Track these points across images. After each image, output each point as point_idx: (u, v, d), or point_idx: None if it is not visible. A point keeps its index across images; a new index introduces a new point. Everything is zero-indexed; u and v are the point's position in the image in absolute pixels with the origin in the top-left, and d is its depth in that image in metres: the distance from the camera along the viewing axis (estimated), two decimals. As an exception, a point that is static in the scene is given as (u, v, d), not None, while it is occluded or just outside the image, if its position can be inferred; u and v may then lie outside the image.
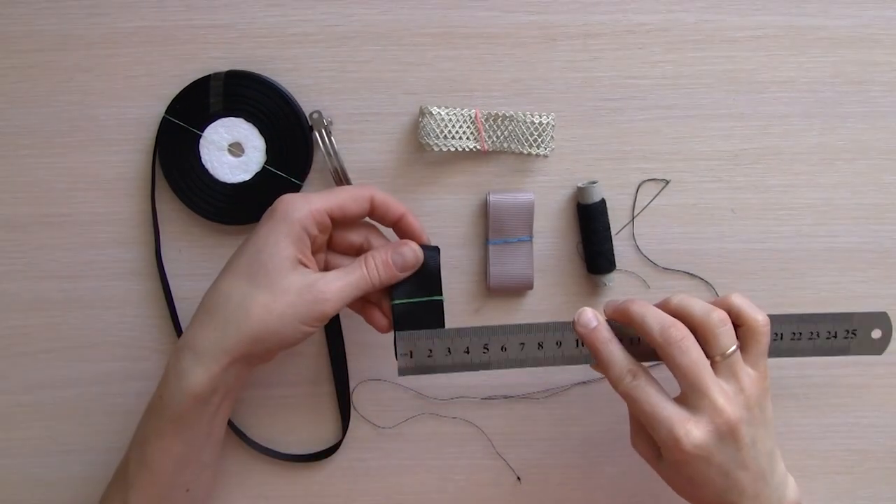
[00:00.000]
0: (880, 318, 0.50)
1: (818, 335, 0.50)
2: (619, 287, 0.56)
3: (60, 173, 0.55)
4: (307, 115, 0.54)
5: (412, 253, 0.49)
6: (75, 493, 0.57)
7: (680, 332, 0.45)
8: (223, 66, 0.54)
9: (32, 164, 0.55)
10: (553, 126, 0.54)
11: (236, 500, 0.57)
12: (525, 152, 0.54)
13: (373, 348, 0.56)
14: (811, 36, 0.55)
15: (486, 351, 0.48)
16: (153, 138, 0.55)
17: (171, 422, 0.46)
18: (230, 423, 0.56)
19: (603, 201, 0.54)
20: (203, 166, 0.54)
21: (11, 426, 0.56)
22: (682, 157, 0.56)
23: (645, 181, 0.56)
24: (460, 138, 0.53)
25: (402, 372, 0.49)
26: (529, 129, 0.53)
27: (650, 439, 0.47)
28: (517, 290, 0.55)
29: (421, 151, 0.55)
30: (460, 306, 0.56)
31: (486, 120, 0.53)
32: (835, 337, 0.50)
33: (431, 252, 0.50)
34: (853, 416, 0.57)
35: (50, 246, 0.55)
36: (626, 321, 0.47)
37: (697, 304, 0.46)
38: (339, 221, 0.49)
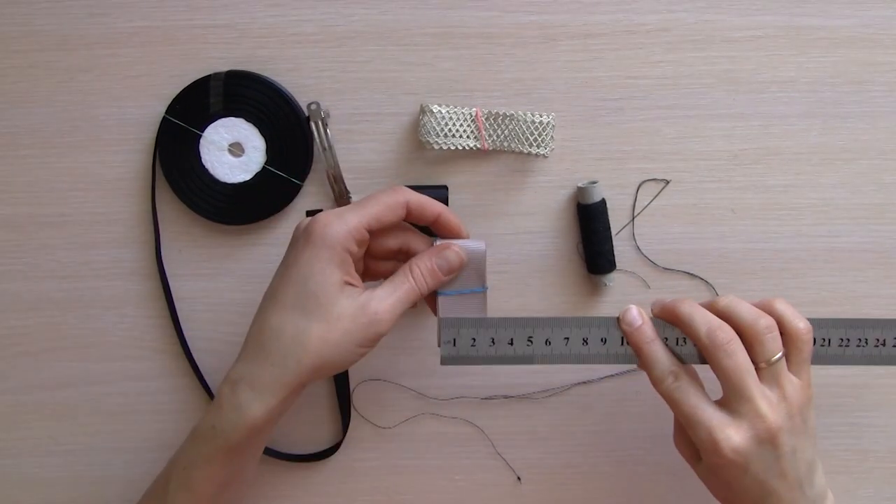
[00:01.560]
0: None
1: (866, 342, 0.48)
2: (619, 287, 0.56)
3: (60, 173, 0.55)
4: (306, 105, 0.54)
5: (456, 256, 0.48)
6: (75, 493, 0.57)
7: (727, 334, 0.45)
8: (223, 66, 0.54)
9: (32, 164, 0.55)
10: (553, 126, 0.54)
11: (236, 500, 0.57)
12: (525, 152, 0.53)
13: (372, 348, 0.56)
14: (811, 36, 0.55)
15: (529, 343, 0.47)
16: (153, 138, 0.55)
17: (223, 451, 0.45)
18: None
19: (603, 201, 0.54)
20: (203, 166, 0.54)
21: (11, 426, 0.56)
22: (682, 157, 0.56)
23: (645, 181, 0.56)
24: (460, 136, 0.53)
25: (445, 361, 0.47)
26: (530, 128, 0.53)
27: (691, 441, 0.47)
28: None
29: (421, 151, 0.55)
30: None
31: (487, 118, 0.53)
32: (883, 345, 0.48)
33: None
34: (853, 416, 0.57)
35: (50, 246, 0.56)
36: (672, 320, 0.47)
37: (745, 308, 0.46)
38: (377, 232, 0.47)
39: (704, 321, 0.45)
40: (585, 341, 0.48)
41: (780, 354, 0.45)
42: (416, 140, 0.55)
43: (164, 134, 0.54)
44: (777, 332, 0.45)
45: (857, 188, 0.56)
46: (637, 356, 0.47)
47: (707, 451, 0.44)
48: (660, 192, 0.56)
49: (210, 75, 0.54)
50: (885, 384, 0.57)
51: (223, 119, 0.54)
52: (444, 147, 0.53)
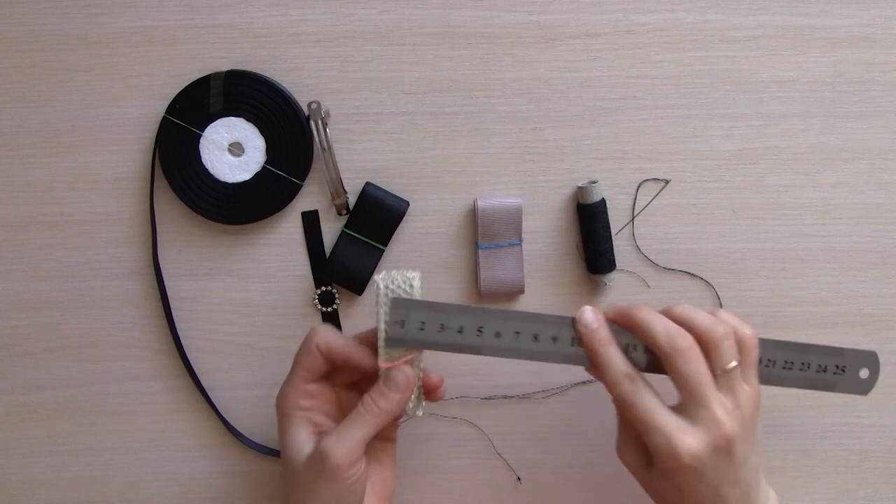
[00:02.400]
0: (869, 358, 0.50)
1: (809, 367, 0.49)
2: (619, 287, 0.56)
3: (60, 173, 0.55)
4: (305, 105, 0.54)
5: (401, 374, 0.46)
6: (75, 493, 0.57)
7: (687, 341, 0.45)
8: (223, 66, 0.54)
9: (32, 163, 0.55)
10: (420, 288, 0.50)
11: (237, 500, 0.57)
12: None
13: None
14: (811, 36, 0.55)
15: (479, 334, 0.47)
16: (153, 138, 0.55)
17: None
18: (230, 423, 0.56)
19: (603, 201, 0.54)
20: (203, 166, 0.54)
21: (11, 426, 0.56)
22: (682, 157, 0.56)
23: (645, 181, 0.56)
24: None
25: (391, 343, 0.46)
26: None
27: (639, 448, 0.47)
28: (508, 294, 0.55)
29: (421, 151, 0.55)
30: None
31: None
32: (824, 371, 0.49)
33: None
34: (853, 416, 0.57)
35: (50, 246, 0.56)
36: (628, 326, 0.47)
37: (701, 316, 0.46)
38: (324, 375, 0.49)
39: (664, 327, 0.45)
40: (536, 337, 0.47)
41: (735, 363, 0.45)
42: (416, 140, 0.55)
43: (164, 134, 0.54)
44: (734, 340, 0.46)
45: (856, 188, 0.56)
46: (591, 358, 0.47)
47: (663, 456, 0.44)
48: (660, 191, 0.56)
49: (210, 75, 0.54)
50: (885, 384, 0.57)
51: (223, 119, 0.54)
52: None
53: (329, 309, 0.56)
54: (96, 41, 0.54)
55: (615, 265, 0.55)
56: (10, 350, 0.56)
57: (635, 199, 0.56)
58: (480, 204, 0.54)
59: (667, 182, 0.56)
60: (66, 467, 0.57)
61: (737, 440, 0.44)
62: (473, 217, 0.55)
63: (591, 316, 0.47)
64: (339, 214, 0.55)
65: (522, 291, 0.55)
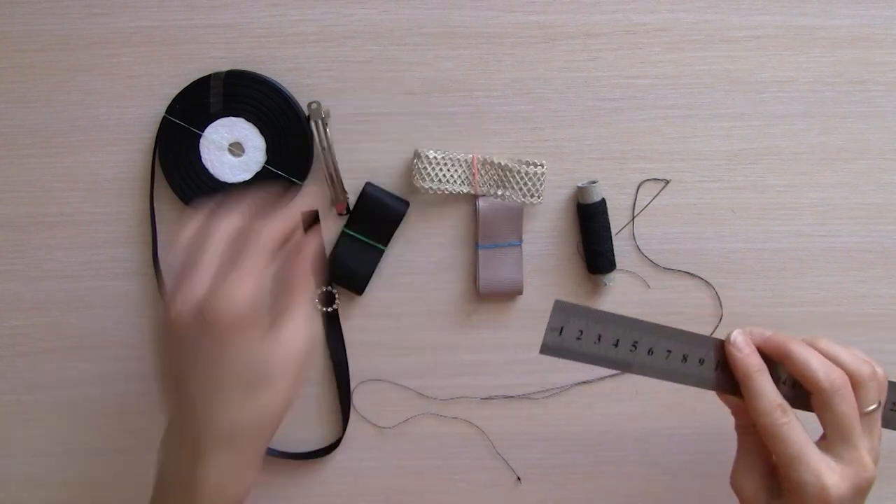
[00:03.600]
0: None
1: None
2: (619, 287, 0.56)
3: (60, 173, 0.55)
4: (306, 105, 0.54)
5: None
6: (75, 493, 0.57)
7: (843, 379, 0.44)
8: (223, 66, 0.54)
9: (32, 164, 0.55)
10: (545, 174, 0.54)
11: (236, 500, 0.57)
12: (519, 201, 0.54)
13: (373, 348, 0.56)
14: (811, 36, 0.55)
15: (633, 349, 0.44)
16: (153, 138, 0.55)
17: None
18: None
19: (603, 201, 0.54)
20: (203, 166, 0.54)
21: (11, 426, 0.56)
22: (682, 157, 0.56)
23: (645, 181, 0.56)
24: (453, 182, 0.53)
25: (546, 349, 0.44)
26: (524, 178, 0.53)
27: (764, 479, 0.46)
28: (507, 295, 0.55)
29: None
30: (454, 306, 0.56)
31: (483, 166, 0.53)
32: None
33: (399, 203, 0.50)
34: (853, 416, 0.57)
35: (50, 246, 0.55)
36: (779, 356, 0.45)
37: (845, 353, 0.45)
38: None
39: (822, 363, 0.44)
40: (685, 358, 0.45)
41: (877, 404, 0.45)
42: (416, 140, 0.55)
43: (164, 134, 0.54)
44: (877, 382, 0.45)
45: (856, 188, 0.56)
46: (742, 384, 0.45)
47: (809, 494, 0.43)
48: (660, 191, 0.56)
49: (210, 75, 0.54)
50: (885, 384, 0.57)
51: (223, 119, 0.54)
52: (437, 192, 0.53)
53: (329, 309, 0.56)
54: (96, 41, 0.54)
55: (615, 265, 0.55)
56: (10, 350, 0.56)
57: (635, 199, 0.56)
58: (481, 204, 0.54)
59: (667, 182, 0.56)
60: (66, 467, 0.57)
61: (872, 484, 0.44)
62: (474, 217, 0.55)
63: (743, 340, 0.46)
64: (340, 214, 0.55)
65: (521, 292, 0.55)
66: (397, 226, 0.55)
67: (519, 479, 0.57)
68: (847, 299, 0.56)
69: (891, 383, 0.47)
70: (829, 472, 0.43)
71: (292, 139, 0.54)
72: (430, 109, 0.55)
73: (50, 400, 0.56)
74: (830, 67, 0.55)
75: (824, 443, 0.45)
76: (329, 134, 0.54)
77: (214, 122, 0.54)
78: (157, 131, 0.54)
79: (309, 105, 0.54)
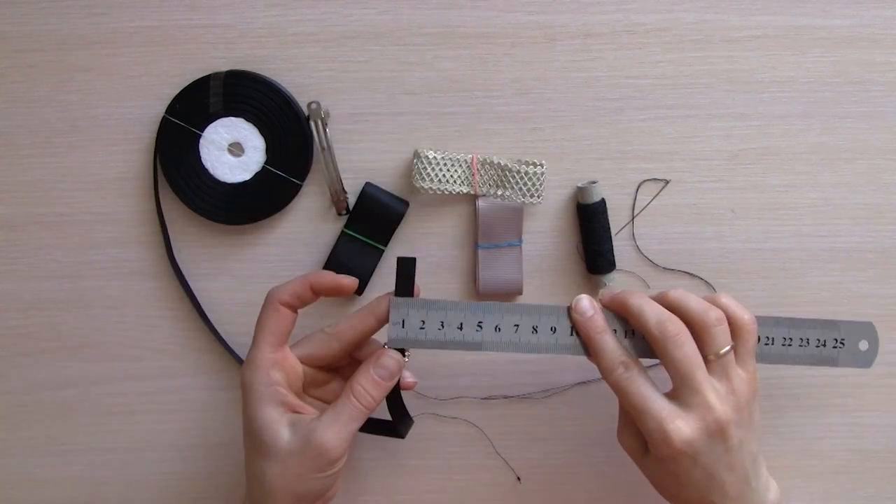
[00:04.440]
0: (866, 329, 0.50)
1: (808, 342, 0.49)
2: (618, 287, 0.56)
3: (60, 173, 0.55)
4: (305, 105, 0.54)
5: (392, 360, 0.47)
6: (75, 493, 0.57)
7: (676, 326, 0.45)
8: (223, 66, 0.54)
9: (32, 164, 0.55)
10: (545, 174, 0.54)
11: (237, 500, 0.57)
12: (518, 200, 0.54)
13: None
14: (811, 36, 0.55)
15: (479, 329, 0.47)
16: (153, 138, 0.55)
17: None
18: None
19: (603, 201, 0.54)
20: (203, 166, 0.54)
21: (11, 426, 0.56)
22: (682, 157, 0.56)
23: (645, 181, 0.56)
24: (453, 182, 0.53)
25: (392, 343, 0.47)
26: (523, 178, 0.53)
27: (637, 434, 0.47)
28: (507, 295, 0.55)
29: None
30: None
31: (482, 166, 0.53)
32: (824, 345, 0.49)
33: (399, 203, 0.52)
34: (853, 416, 0.57)
35: (50, 246, 0.56)
36: (622, 312, 0.47)
37: (694, 301, 0.46)
38: (306, 361, 0.48)
39: (654, 313, 0.46)
40: (535, 329, 0.47)
41: (728, 347, 0.45)
42: (416, 140, 0.55)
43: (163, 134, 0.54)
44: (726, 325, 0.46)
45: (856, 188, 0.56)
46: (587, 346, 0.47)
47: (657, 442, 0.44)
48: (659, 191, 0.56)
49: (210, 75, 0.54)
50: (885, 384, 0.57)
51: (223, 119, 0.54)
52: (437, 192, 0.53)
53: (329, 309, 0.56)
54: (96, 41, 0.54)
55: (615, 265, 0.55)
56: (10, 350, 0.56)
57: (635, 199, 0.56)
58: (481, 204, 0.54)
59: (667, 182, 0.56)
60: (66, 467, 0.57)
61: (730, 425, 0.44)
62: (474, 217, 0.55)
63: (586, 304, 0.47)
64: (339, 214, 0.55)
65: (521, 292, 0.55)
66: (397, 226, 0.55)
67: (519, 479, 0.57)
68: (847, 299, 0.56)
69: (760, 318, 0.48)
70: (670, 418, 0.44)
71: (292, 139, 0.54)
72: (430, 109, 0.55)
73: (50, 400, 0.56)
74: (830, 67, 0.55)
75: (672, 391, 0.45)
76: (329, 134, 0.54)
77: (214, 123, 0.54)
78: (157, 131, 0.54)
79: (309, 105, 0.54)
